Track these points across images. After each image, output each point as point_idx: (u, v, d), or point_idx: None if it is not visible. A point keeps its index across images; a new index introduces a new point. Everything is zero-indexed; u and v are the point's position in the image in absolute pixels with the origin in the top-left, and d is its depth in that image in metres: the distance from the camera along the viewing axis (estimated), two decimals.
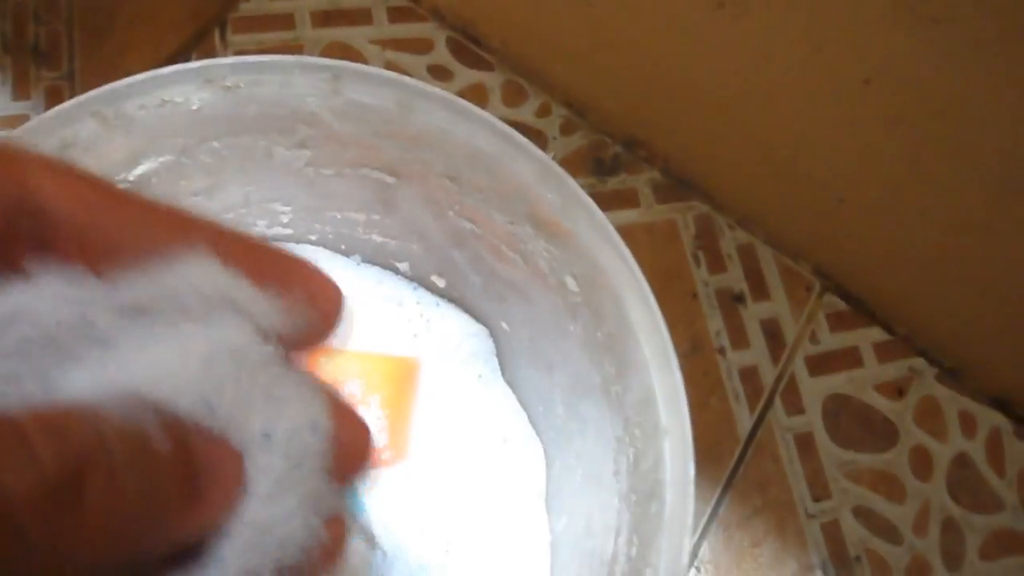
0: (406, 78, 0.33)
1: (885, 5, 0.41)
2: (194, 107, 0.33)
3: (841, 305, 0.56)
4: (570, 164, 0.56)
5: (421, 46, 0.58)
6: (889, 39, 0.42)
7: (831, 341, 0.55)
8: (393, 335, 0.44)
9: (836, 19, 0.43)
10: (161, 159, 0.35)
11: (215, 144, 0.35)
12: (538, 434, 0.44)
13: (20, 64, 0.65)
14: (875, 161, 0.49)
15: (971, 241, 0.49)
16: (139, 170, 0.34)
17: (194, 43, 0.57)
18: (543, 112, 0.57)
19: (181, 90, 0.32)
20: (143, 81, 0.31)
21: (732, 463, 0.50)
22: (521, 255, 0.38)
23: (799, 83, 0.47)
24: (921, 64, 0.42)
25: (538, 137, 0.57)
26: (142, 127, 0.32)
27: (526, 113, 0.57)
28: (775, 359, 0.54)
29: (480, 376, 0.45)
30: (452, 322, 0.45)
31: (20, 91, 0.63)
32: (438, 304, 0.45)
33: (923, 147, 0.46)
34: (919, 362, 0.55)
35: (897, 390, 0.54)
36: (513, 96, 0.57)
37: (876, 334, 0.55)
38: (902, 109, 0.45)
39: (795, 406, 0.52)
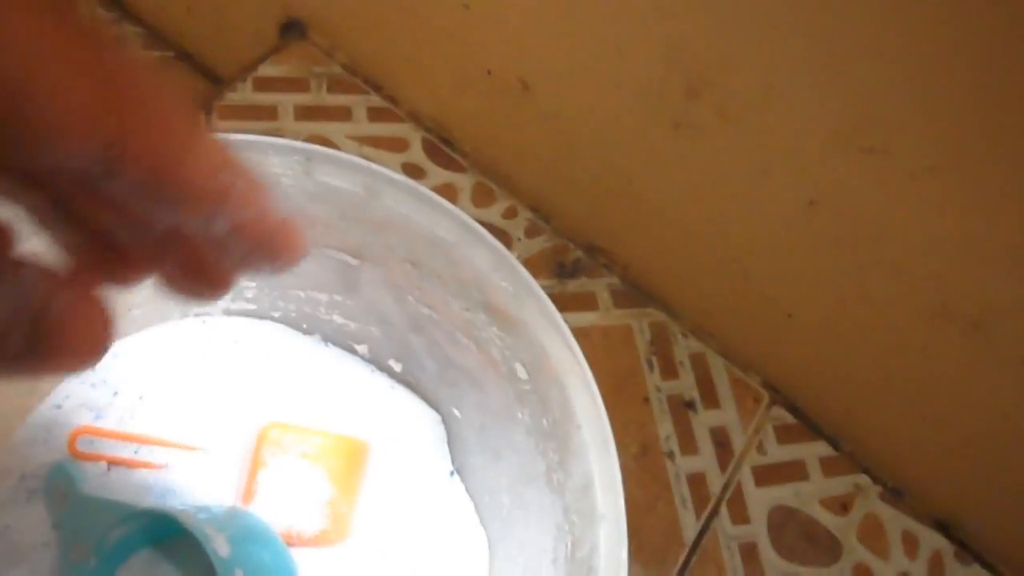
0: (374, 165, 0.35)
1: (825, 134, 0.44)
2: None
3: (789, 418, 0.57)
4: (533, 265, 0.58)
5: (397, 145, 0.60)
6: (831, 165, 0.45)
7: (778, 453, 0.56)
8: (347, 416, 0.45)
9: (781, 144, 0.46)
10: None
11: None
12: (483, 524, 0.44)
13: None
14: (821, 280, 0.51)
15: (910, 363, 0.51)
16: None
17: None
18: (510, 214, 0.60)
19: None
20: None
21: (677, 568, 0.50)
22: (475, 342, 0.39)
23: (749, 201, 0.50)
24: (860, 190, 0.45)
25: (503, 237, 0.59)
26: None
27: (493, 214, 0.60)
28: (723, 467, 0.54)
29: (430, 463, 0.45)
30: (406, 407, 0.45)
31: None
32: (393, 388, 0.46)
33: (864, 269, 0.48)
34: (864, 479, 0.56)
35: (841, 505, 0.55)
36: (482, 197, 0.60)
37: (822, 448, 0.57)
38: (844, 231, 0.48)
39: (741, 515, 0.53)
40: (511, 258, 0.35)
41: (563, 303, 0.36)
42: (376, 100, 0.62)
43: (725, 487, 0.54)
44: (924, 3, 0.36)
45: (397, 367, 0.45)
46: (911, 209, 0.44)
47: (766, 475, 0.55)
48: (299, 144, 0.34)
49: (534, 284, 0.34)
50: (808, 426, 0.57)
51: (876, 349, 0.51)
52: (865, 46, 0.40)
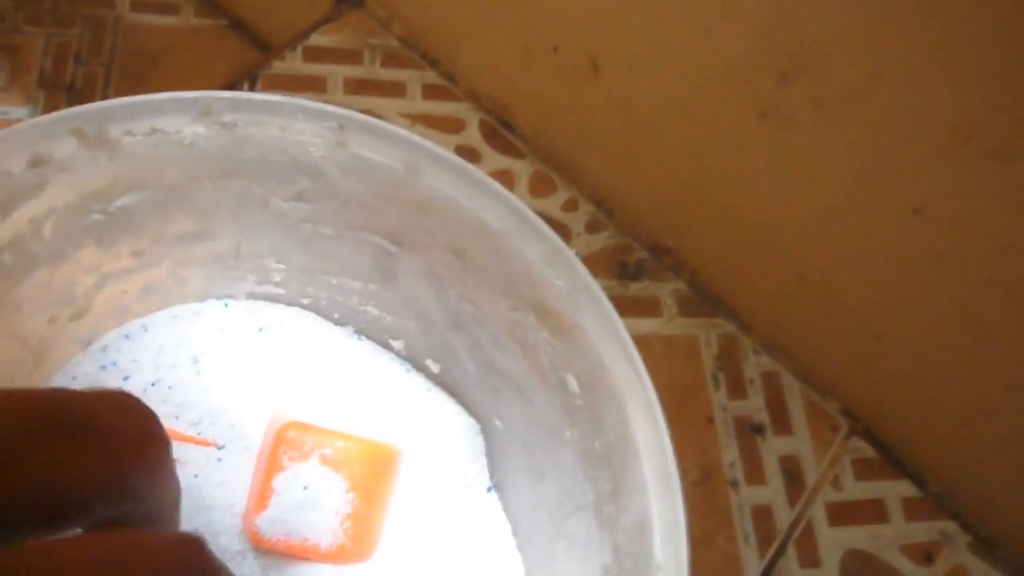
0: (416, 137, 0.30)
1: (940, 132, 0.38)
2: (187, 140, 0.30)
3: (869, 451, 0.51)
4: (592, 264, 0.53)
5: (453, 125, 0.56)
6: (944, 169, 0.39)
7: (856, 490, 0.50)
8: (376, 418, 0.40)
9: (889, 141, 0.40)
10: (146, 192, 0.32)
11: (207, 184, 0.33)
12: (520, 549, 0.39)
13: (53, 100, 0.64)
14: (919, 299, 0.45)
15: (1017, 400, 0.44)
16: (122, 201, 0.32)
17: None
18: (570, 206, 0.55)
19: (174, 120, 0.30)
20: (132, 104, 0.29)
21: None
22: (521, 346, 0.34)
23: (842, 205, 0.45)
24: (977, 199, 0.39)
25: (562, 231, 0.54)
26: (128, 154, 0.30)
27: (552, 205, 0.55)
28: (792, 501, 0.49)
29: (466, 476, 0.40)
30: (442, 412, 0.41)
31: None
32: (429, 390, 0.41)
33: (973, 288, 0.42)
34: (951, 526, 0.49)
35: (925, 555, 0.48)
36: (541, 186, 0.55)
37: (905, 488, 0.50)
38: (953, 245, 0.42)
39: (810, 557, 0.47)
40: (568, 252, 0.30)
41: (623, 307, 0.31)
42: (432, 76, 0.57)
43: (794, 524, 0.48)
44: None
45: (435, 367, 0.41)
46: None
47: (841, 514, 0.49)
48: (331, 108, 0.30)
49: (594, 285, 0.29)
50: (891, 462, 0.51)
51: (980, 380, 0.45)
52: (1000, 31, 0.34)
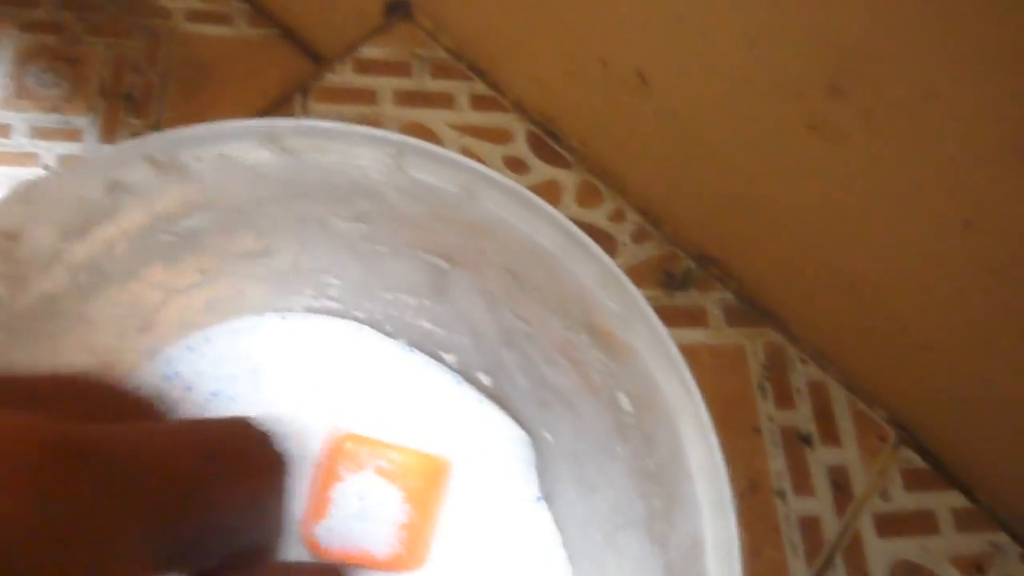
0: (472, 162, 0.31)
1: (994, 145, 0.38)
2: (252, 165, 0.31)
3: (918, 461, 0.51)
4: (638, 274, 0.53)
5: (500, 136, 0.57)
6: (997, 181, 0.39)
7: (904, 500, 0.50)
8: (429, 428, 0.41)
9: (940, 153, 0.40)
10: (212, 214, 0.33)
11: (270, 205, 0.34)
12: (570, 561, 0.40)
13: (112, 109, 0.66)
14: (970, 310, 0.45)
15: None
16: (189, 222, 0.33)
17: (276, 107, 0.57)
18: (616, 217, 0.55)
19: (240, 146, 0.31)
20: (202, 132, 0.30)
21: None
22: (574, 364, 0.35)
23: (892, 216, 0.44)
24: None
25: (608, 242, 0.54)
26: (197, 179, 0.31)
27: (599, 216, 0.55)
28: (840, 511, 0.49)
29: (515, 487, 0.41)
30: (493, 424, 0.42)
31: (106, 135, 0.64)
32: (480, 402, 0.42)
33: None
34: (1002, 538, 0.49)
35: (976, 566, 0.48)
36: (587, 197, 0.56)
37: (955, 499, 0.50)
38: (1005, 258, 0.41)
39: (859, 568, 0.47)
40: (621, 275, 0.30)
41: (669, 317, 0.31)
42: (480, 87, 0.58)
43: (842, 535, 0.48)
44: None
45: (486, 380, 0.42)
46: None
47: (890, 525, 0.49)
48: (392, 135, 0.31)
49: (646, 306, 0.30)
50: (941, 472, 0.51)
51: None
52: None
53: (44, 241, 0.29)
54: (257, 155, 0.31)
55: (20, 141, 0.63)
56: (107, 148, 0.29)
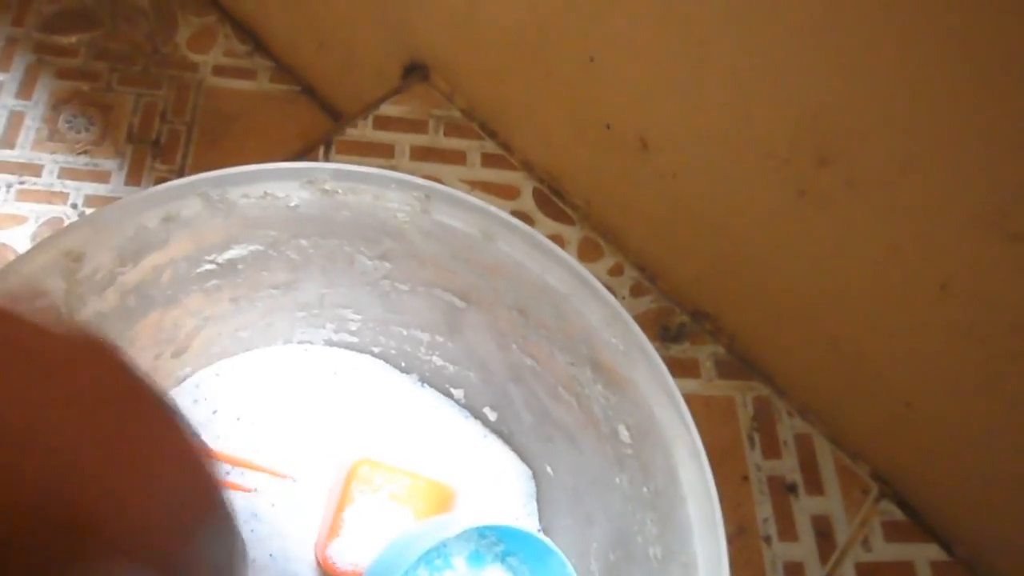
0: (493, 208, 0.34)
1: (965, 215, 0.41)
2: (292, 203, 0.35)
3: (898, 514, 0.53)
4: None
5: (508, 192, 0.60)
6: (968, 249, 0.42)
7: (885, 551, 0.52)
8: (436, 459, 0.44)
9: (916, 222, 0.43)
10: (251, 247, 0.36)
11: (303, 242, 0.37)
12: None
13: (139, 154, 0.70)
14: (946, 369, 0.48)
15: None
16: (229, 254, 0.36)
17: (299, 158, 0.61)
18: (616, 271, 0.59)
19: (283, 186, 0.34)
20: (251, 172, 0.33)
21: None
22: (577, 398, 0.37)
23: (873, 280, 0.48)
24: (1000, 278, 0.42)
25: None
26: (241, 214, 0.34)
27: (599, 270, 0.58)
28: (823, 559, 0.51)
29: (516, 518, 0.43)
30: (497, 457, 0.44)
31: (132, 177, 0.68)
32: (486, 436, 0.44)
33: (996, 362, 0.45)
34: None
35: None
36: (589, 251, 0.59)
37: (934, 552, 0.52)
38: (977, 320, 0.44)
39: None
40: (625, 315, 0.33)
41: None
42: (491, 146, 0.62)
43: None
44: None
45: (492, 416, 0.44)
46: None
47: (871, 573, 0.51)
48: (420, 181, 0.34)
49: (647, 344, 0.33)
50: (920, 525, 0.53)
51: (1005, 449, 0.47)
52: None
53: (103, 264, 0.32)
54: (299, 195, 0.34)
55: (50, 180, 0.66)
56: (165, 184, 0.32)
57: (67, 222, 0.65)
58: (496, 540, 0.39)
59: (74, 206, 0.66)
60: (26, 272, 0.30)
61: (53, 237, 0.30)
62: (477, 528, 0.36)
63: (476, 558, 0.38)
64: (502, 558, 0.39)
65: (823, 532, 0.52)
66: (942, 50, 0.37)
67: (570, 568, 0.36)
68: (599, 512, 0.39)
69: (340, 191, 0.34)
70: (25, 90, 0.71)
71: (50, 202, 0.66)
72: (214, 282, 0.37)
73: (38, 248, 0.30)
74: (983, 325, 0.44)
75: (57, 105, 0.71)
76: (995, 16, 0.34)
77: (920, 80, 0.38)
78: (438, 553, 0.38)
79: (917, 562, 0.52)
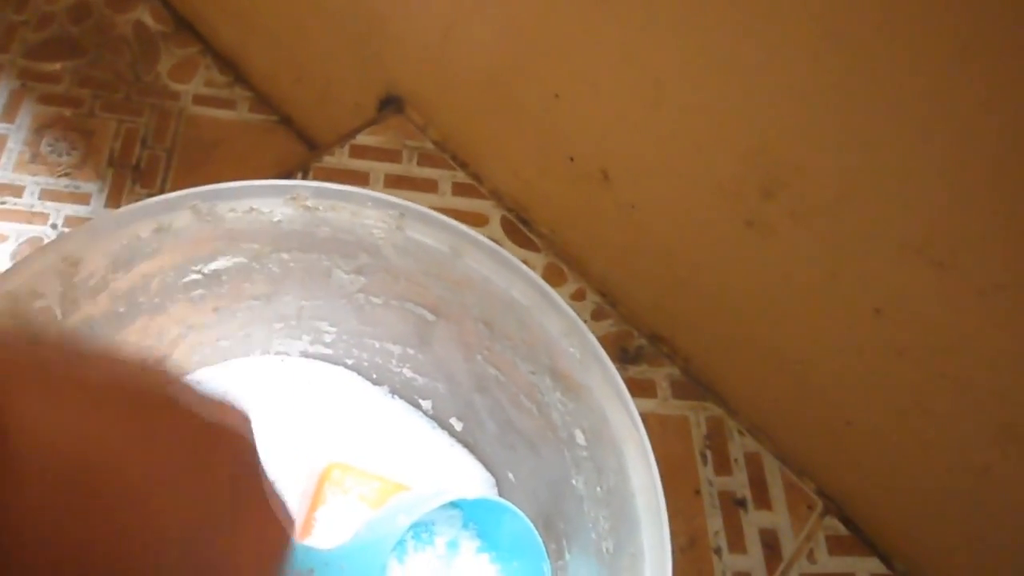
0: (462, 226, 0.37)
1: (895, 244, 0.45)
2: (275, 219, 0.37)
3: (842, 529, 0.56)
4: None
5: (478, 220, 0.63)
6: (898, 275, 0.46)
7: (829, 564, 0.55)
8: (404, 468, 0.46)
9: (851, 250, 0.47)
10: (235, 259, 0.39)
11: (284, 255, 0.40)
12: None
13: (119, 178, 0.72)
14: (882, 389, 0.51)
15: (971, 483, 0.50)
16: (214, 265, 0.39)
17: None
18: (578, 296, 0.62)
19: (268, 202, 0.37)
20: (239, 187, 0.36)
21: None
22: (537, 406, 0.40)
23: (815, 304, 0.51)
24: (927, 302, 0.45)
25: None
26: (228, 227, 0.37)
27: (563, 294, 0.60)
28: (770, 570, 0.53)
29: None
30: (462, 467, 0.47)
31: (112, 200, 0.70)
32: (452, 446, 0.47)
33: (928, 381, 0.48)
34: None
35: None
36: (553, 277, 0.62)
37: (874, 565, 0.55)
38: (909, 342, 0.48)
39: None
40: (582, 325, 0.36)
41: None
42: (461, 176, 0.65)
43: None
44: (1004, 129, 0.37)
45: (458, 426, 0.47)
46: (977, 325, 0.44)
47: None
48: (396, 200, 0.37)
49: (602, 352, 0.36)
50: (862, 540, 0.56)
51: (936, 465, 0.51)
52: (943, 163, 0.41)
53: (98, 270, 0.34)
54: (282, 211, 0.37)
55: (31, 201, 0.68)
56: (159, 196, 0.35)
57: (47, 241, 0.67)
58: (475, 535, 0.41)
59: (54, 226, 0.68)
60: (27, 274, 0.32)
61: (53, 242, 0.33)
62: (462, 513, 0.39)
63: (453, 545, 0.41)
64: (477, 551, 0.41)
65: (770, 545, 0.54)
66: (871, 94, 0.40)
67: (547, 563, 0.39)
68: (557, 515, 0.41)
69: (321, 208, 0.37)
70: (8, 114, 0.73)
71: (31, 222, 0.68)
72: (199, 292, 0.40)
73: (40, 252, 0.32)
74: (915, 347, 0.48)
75: (40, 129, 0.73)
76: (919, 60, 0.38)
77: (852, 120, 0.42)
78: (425, 527, 0.40)
79: (859, 574, 0.55)
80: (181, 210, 0.35)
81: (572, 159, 0.59)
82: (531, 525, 0.38)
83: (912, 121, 0.40)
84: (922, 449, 0.51)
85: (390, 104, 0.69)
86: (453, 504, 0.39)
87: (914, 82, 0.39)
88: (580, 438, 0.38)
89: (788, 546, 0.55)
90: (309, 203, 0.37)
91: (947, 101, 0.38)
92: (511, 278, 0.37)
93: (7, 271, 0.32)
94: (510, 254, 0.37)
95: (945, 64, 0.37)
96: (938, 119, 0.39)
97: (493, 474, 0.46)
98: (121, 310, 0.37)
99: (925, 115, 0.40)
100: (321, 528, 0.41)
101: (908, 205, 0.43)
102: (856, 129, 0.42)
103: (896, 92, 0.40)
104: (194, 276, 0.38)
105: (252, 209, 0.37)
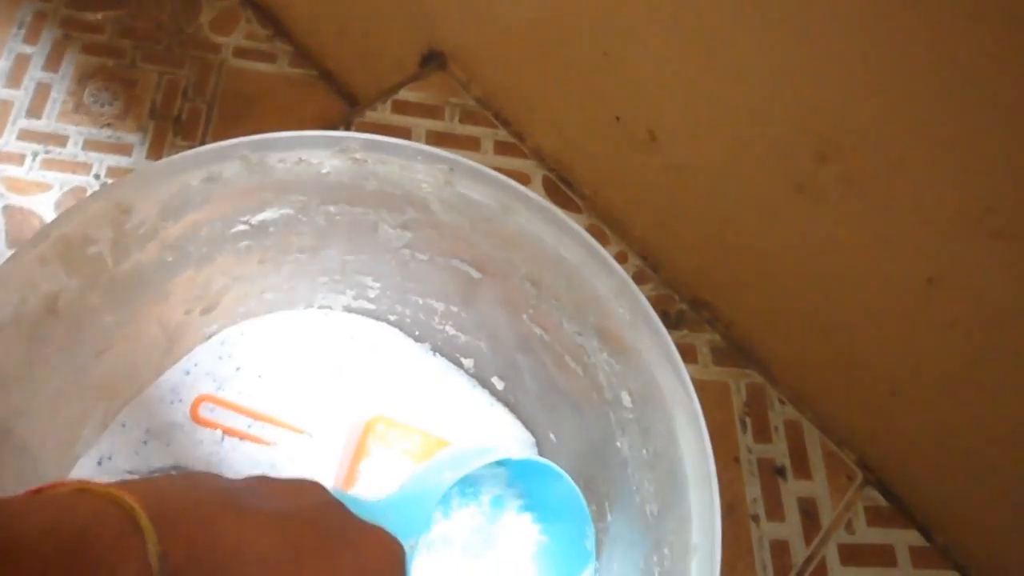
0: (512, 182, 0.36)
1: (953, 212, 0.43)
2: (324, 170, 0.37)
3: (881, 500, 0.56)
4: None
5: (519, 179, 0.61)
6: (955, 244, 0.45)
7: (867, 534, 0.54)
8: (445, 425, 0.46)
9: (906, 218, 0.46)
10: (282, 211, 0.39)
11: (331, 208, 0.39)
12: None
13: (160, 129, 0.72)
14: (931, 360, 0.50)
15: (1020, 459, 0.49)
16: (262, 216, 0.38)
17: None
18: (620, 259, 0.61)
19: (317, 153, 0.36)
20: (289, 137, 0.35)
21: None
22: (583, 366, 0.40)
23: (864, 272, 0.50)
24: (983, 273, 0.44)
25: None
26: (276, 178, 0.37)
27: None
28: (808, 539, 0.53)
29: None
30: (503, 425, 0.46)
31: (154, 151, 0.70)
32: (492, 405, 0.47)
33: (979, 354, 0.47)
34: None
35: None
36: (596, 239, 0.61)
37: (913, 537, 0.55)
38: (961, 313, 0.47)
39: None
40: (633, 286, 0.35)
41: None
42: (503, 134, 0.64)
43: (808, 560, 0.52)
44: None
45: (499, 385, 0.46)
46: None
47: (852, 555, 0.53)
48: (446, 154, 0.36)
49: (652, 313, 0.35)
50: (901, 512, 0.55)
51: (984, 440, 0.50)
52: (1005, 131, 0.39)
53: (148, 218, 0.34)
54: (331, 162, 0.37)
55: (75, 151, 0.69)
56: (209, 145, 0.35)
57: (90, 191, 0.67)
58: (519, 494, 0.41)
59: (97, 176, 0.68)
60: (80, 219, 0.32)
61: (105, 189, 0.33)
62: (507, 472, 0.39)
63: (498, 502, 0.41)
64: (520, 510, 0.41)
65: (808, 513, 0.54)
66: (934, 57, 0.39)
67: (591, 534, 0.39)
68: (599, 477, 0.41)
69: (370, 160, 0.37)
70: (52, 63, 0.74)
71: (74, 172, 0.68)
72: (246, 243, 0.39)
73: (92, 198, 0.32)
74: (966, 318, 0.47)
75: (82, 79, 0.74)
76: (982, 25, 0.37)
77: (913, 84, 0.40)
78: (471, 483, 0.40)
79: (897, 546, 0.54)
80: (231, 159, 0.35)
81: (618, 119, 0.57)
82: (577, 489, 0.38)
83: (974, 87, 0.39)
84: (969, 422, 0.50)
85: (433, 60, 0.68)
86: (499, 463, 0.39)
87: (978, 44, 0.37)
88: (626, 400, 0.37)
89: (826, 515, 0.54)
90: (358, 155, 0.37)
91: (1013, 67, 0.37)
92: (560, 236, 0.37)
93: (60, 216, 0.32)
94: (560, 211, 0.36)
95: (1011, 26, 0.36)
96: (1002, 86, 0.38)
97: (533, 434, 0.46)
98: (170, 259, 0.37)
99: (989, 80, 0.38)
100: (365, 479, 0.41)
101: (967, 174, 0.42)
102: (915, 93, 0.41)
103: (959, 55, 0.38)
104: (242, 227, 0.38)
105: (301, 160, 0.36)
